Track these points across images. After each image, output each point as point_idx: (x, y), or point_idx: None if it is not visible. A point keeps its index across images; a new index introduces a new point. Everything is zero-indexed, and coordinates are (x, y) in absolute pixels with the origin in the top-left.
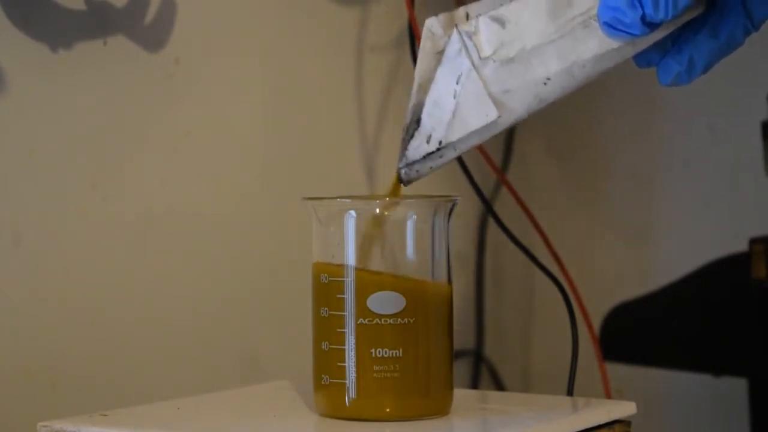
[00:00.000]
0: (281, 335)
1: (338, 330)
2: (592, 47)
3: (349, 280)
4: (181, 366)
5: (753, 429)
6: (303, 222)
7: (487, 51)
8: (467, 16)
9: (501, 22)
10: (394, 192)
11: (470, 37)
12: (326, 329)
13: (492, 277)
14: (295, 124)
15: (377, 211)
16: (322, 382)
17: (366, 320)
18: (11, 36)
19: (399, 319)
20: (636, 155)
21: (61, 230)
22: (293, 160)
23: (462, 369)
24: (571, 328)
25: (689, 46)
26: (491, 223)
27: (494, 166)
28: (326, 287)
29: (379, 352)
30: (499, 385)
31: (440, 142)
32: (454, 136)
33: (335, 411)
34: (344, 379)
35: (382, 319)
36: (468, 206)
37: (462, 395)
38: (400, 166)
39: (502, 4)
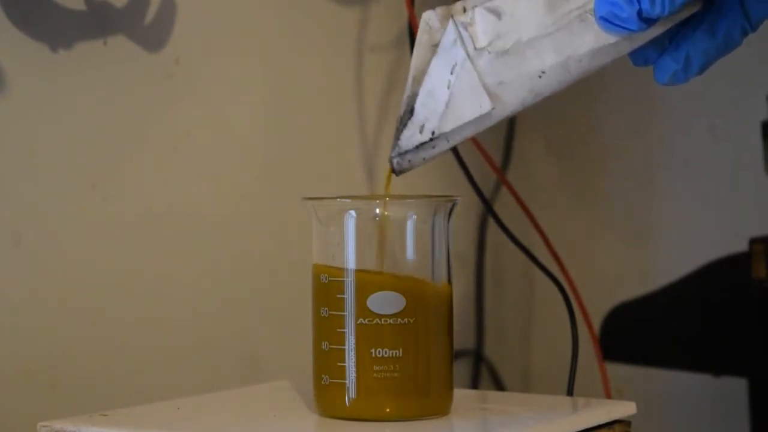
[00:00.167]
0: (281, 335)
1: (338, 330)
2: (589, 41)
3: (349, 280)
4: (181, 366)
5: (753, 429)
6: (303, 222)
7: (482, 42)
8: (464, 10)
9: (497, 13)
10: (389, 182)
11: (466, 28)
12: (326, 329)
13: (492, 277)
14: (295, 124)
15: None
16: (322, 382)
17: (366, 320)
18: (11, 36)
19: (399, 319)
20: (636, 155)
21: (61, 230)
22: (293, 160)
23: (462, 369)
24: (571, 328)
25: (686, 43)
26: (491, 223)
27: (494, 166)
28: (326, 287)
29: (379, 352)
30: (499, 385)
31: (433, 133)
32: (447, 127)
33: (335, 411)
34: (344, 379)
35: (382, 319)
36: (468, 206)
37: (462, 395)
38: (393, 155)
39: None
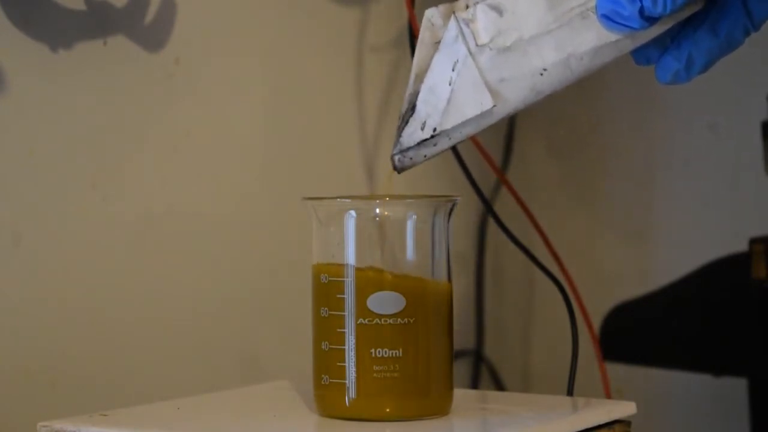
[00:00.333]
0: (281, 335)
1: (338, 330)
2: (590, 39)
3: (349, 280)
4: (181, 366)
5: (753, 429)
6: (303, 222)
7: (484, 39)
8: (466, 7)
9: (499, 10)
10: (391, 180)
11: (467, 25)
12: (326, 329)
13: (492, 277)
14: (295, 124)
15: (377, 210)
16: (322, 382)
17: (366, 320)
18: (11, 36)
19: (399, 319)
20: (636, 154)
21: (61, 230)
22: (293, 160)
23: (462, 369)
24: (571, 328)
25: (688, 42)
26: (491, 223)
27: (494, 166)
28: (326, 287)
29: (379, 352)
30: (499, 385)
31: (434, 129)
32: (448, 124)
33: (335, 411)
34: (344, 379)
35: (382, 319)
36: (468, 206)
37: (462, 395)
38: (394, 152)
39: None
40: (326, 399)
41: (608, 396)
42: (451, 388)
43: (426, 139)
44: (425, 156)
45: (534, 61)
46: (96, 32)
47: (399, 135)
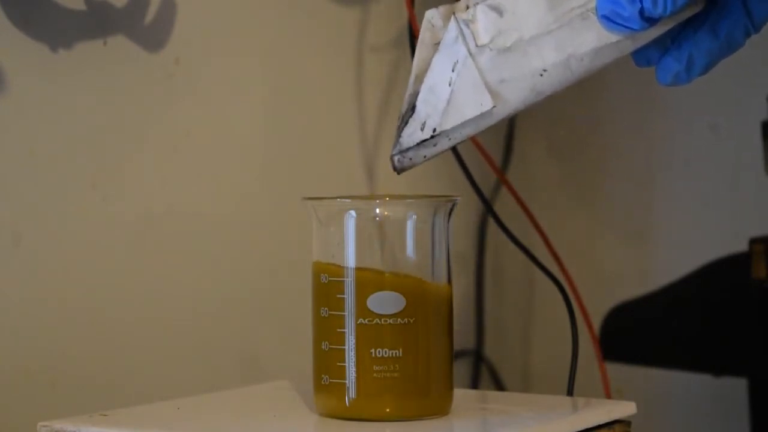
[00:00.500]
0: (281, 335)
1: (338, 330)
2: (590, 40)
3: (349, 280)
4: (181, 366)
5: (753, 429)
6: (303, 222)
7: (484, 39)
8: (466, 7)
9: (499, 11)
10: None
11: (467, 25)
12: (326, 329)
13: (492, 277)
14: (295, 124)
15: (377, 210)
16: (322, 382)
17: (366, 320)
18: (11, 36)
19: (399, 319)
20: (636, 154)
21: (61, 230)
22: (293, 160)
23: (462, 369)
24: (571, 328)
25: (689, 44)
26: (491, 223)
27: (494, 166)
28: (326, 287)
29: (379, 352)
30: (499, 385)
31: (434, 130)
32: (448, 124)
33: (335, 411)
34: (344, 379)
35: (382, 319)
36: (468, 206)
37: (462, 395)
38: (394, 153)
39: None
40: (326, 399)
41: (608, 396)
42: (451, 388)
43: (426, 140)
44: (425, 156)
45: (534, 62)
46: (96, 32)
47: (399, 135)
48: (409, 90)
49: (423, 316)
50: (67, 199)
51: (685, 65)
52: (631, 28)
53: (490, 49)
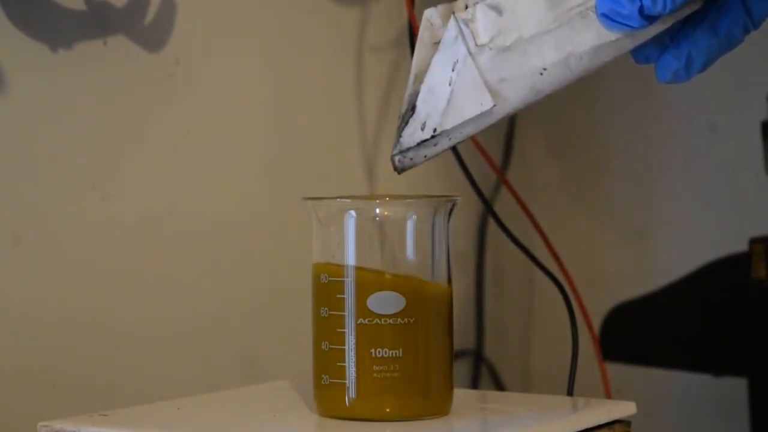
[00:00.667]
0: (281, 335)
1: (338, 330)
2: (590, 39)
3: (349, 280)
4: (181, 366)
5: (753, 429)
6: (303, 222)
7: (483, 38)
8: (466, 7)
9: (498, 10)
10: None
11: (467, 25)
12: (326, 329)
13: (492, 277)
14: (295, 124)
15: (377, 210)
16: (322, 382)
17: (366, 320)
18: (11, 36)
19: (399, 319)
20: (636, 154)
21: (61, 230)
22: (293, 160)
23: (462, 369)
24: (571, 328)
25: (688, 41)
26: (491, 223)
27: (494, 166)
28: (326, 287)
29: (379, 352)
30: (499, 385)
31: (435, 130)
32: (448, 124)
33: (335, 411)
34: (344, 379)
35: (382, 319)
36: (468, 206)
37: (462, 395)
38: (394, 153)
39: None
40: (326, 399)
41: (608, 396)
42: (451, 388)
43: (426, 140)
44: (425, 156)
45: (534, 61)
46: (96, 32)
47: (399, 135)
48: (409, 89)
49: (423, 316)
50: (67, 199)
51: (685, 63)
52: (631, 26)
53: (490, 49)
